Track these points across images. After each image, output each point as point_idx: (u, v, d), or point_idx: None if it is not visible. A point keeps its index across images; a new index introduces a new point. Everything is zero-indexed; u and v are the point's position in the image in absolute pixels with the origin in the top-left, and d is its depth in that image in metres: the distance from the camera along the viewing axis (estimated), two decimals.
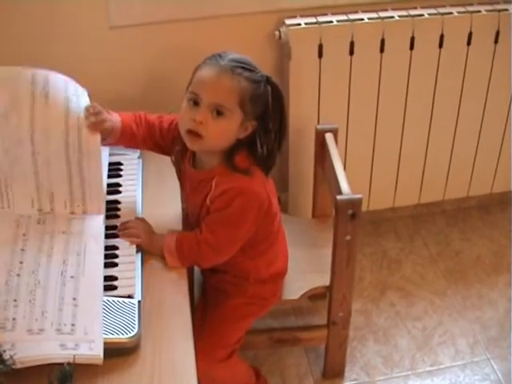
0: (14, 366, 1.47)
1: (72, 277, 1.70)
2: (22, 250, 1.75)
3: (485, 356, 2.66)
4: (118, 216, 2.02)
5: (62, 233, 1.83)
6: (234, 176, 1.89)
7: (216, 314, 2.14)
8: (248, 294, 2.15)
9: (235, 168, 1.89)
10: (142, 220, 1.99)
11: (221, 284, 2.16)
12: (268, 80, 1.90)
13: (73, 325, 1.60)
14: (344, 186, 2.16)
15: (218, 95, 1.82)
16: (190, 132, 1.86)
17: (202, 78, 1.85)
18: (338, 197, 2.11)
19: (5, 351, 1.45)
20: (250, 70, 1.86)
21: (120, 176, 2.18)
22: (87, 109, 1.92)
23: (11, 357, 1.45)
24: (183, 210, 2.11)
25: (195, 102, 1.84)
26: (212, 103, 1.82)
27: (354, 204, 2.10)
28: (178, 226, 2.05)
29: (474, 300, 2.89)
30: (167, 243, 1.92)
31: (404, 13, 2.61)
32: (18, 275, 1.69)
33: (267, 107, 1.89)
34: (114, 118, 2.00)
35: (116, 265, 1.84)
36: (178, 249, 1.91)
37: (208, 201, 1.92)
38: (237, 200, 1.88)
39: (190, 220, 2.09)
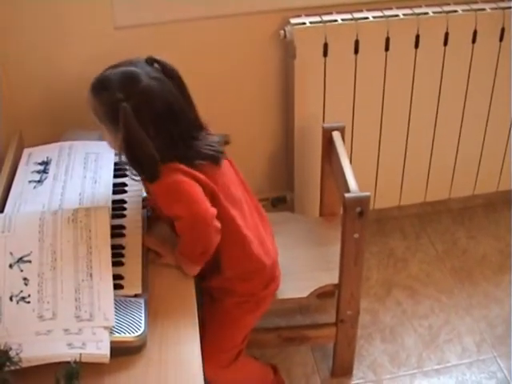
0: (21, 365, 1.47)
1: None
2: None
3: (491, 354, 2.65)
4: (123, 215, 2.03)
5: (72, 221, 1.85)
6: (159, 169, 1.91)
7: (212, 320, 2.14)
8: (236, 294, 2.14)
9: (142, 173, 1.94)
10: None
11: (210, 290, 2.15)
12: (119, 101, 1.85)
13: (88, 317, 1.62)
14: (352, 183, 2.17)
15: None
16: None
17: None
18: (346, 195, 2.11)
19: (11, 349, 1.46)
20: (101, 93, 1.90)
21: (126, 176, 2.19)
22: None
23: (18, 355, 1.46)
24: None
25: None
26: None
27: (362, 202, 2.10)
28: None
29: (481, 298, 2.89)
30: (177, 258, 1.95)
31: (409, 11, 2.61)
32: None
33: (124, 124, 1.85)
34: None
35: (122, 264, 1.85)
36: (184, 254, 1.93)
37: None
38: (164, 183, 1.90)
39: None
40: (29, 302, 1.65)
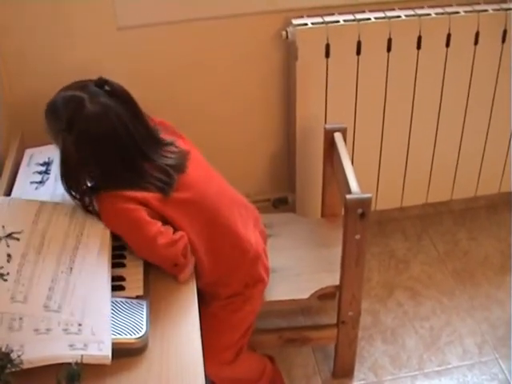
0: (22, 366, 1.47)
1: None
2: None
3: (493, 356, 2.65)
4: None
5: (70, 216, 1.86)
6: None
7: (205, 321, 2.14)
8: (221, 296, 2.14)
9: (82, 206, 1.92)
10: None
11: (198, 294, 2.14)
12: (65, 130, 1.87)
13: (80, 325, 1.61)
14: (353, 185, 2.16)
15: None
16: None
17: None
18: (348, 196, 2.11)
19: (12, 351, 1.45)
20: (49, 119, 1.94)
21: None
22: None
23: (19, 356, 1.46)
24: None
25: None
26: None
27: (364, 203, 2.10)
28: None
29: (482, 300, 2.89)
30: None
31: (411, 12, 2.61)
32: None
33: (61, 153, 1.89)
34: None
35: (124, 265, 1.85)
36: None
37: None
38: (110, 224, 1.88)
39: None
40: (6, 280, 1.64)
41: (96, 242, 1.80)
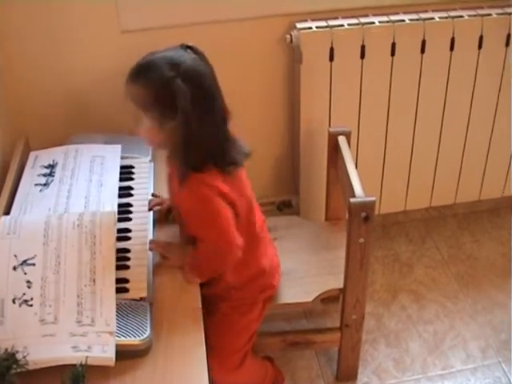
0: (27, 367, 1.48)
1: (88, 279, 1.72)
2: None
3: (496, 359, 2.65)
4: (129, 219, 2.03)
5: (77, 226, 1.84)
6: (189, 175, 1.86)
7: (211, 325, 2.14)
8: (232, 298, 2.15)
9: (186, 165, 1.85)
10: (171, 242, 2.03)
11: (207, 295, 2.11)
12: (173, 78, 1.78)
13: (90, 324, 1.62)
14: (357, 188, 2.16)
15: (128, 105, 1.84)
16: None
17: None
18: (352, 199, 2.11)
19: (18, 352, 1.46)
20: (146, 76, 1.82)
21: (132, 179, 2.20)
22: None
23: (24, 357, 1.46)
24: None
25: None
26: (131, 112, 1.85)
27: (368, 206, 2.10)
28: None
29: (486, 303, 2.88)
30: (186, 266, 1.94)
31: (415, 16, 2.61)
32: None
33: (181, 106, 1.77)
34: None
35: (128, 267, 1.85)
36: (194, 270, 1.93)
37: (181, 212, 1.95)
38: (194, 198, 1.86)
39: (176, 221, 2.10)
40: (31, 306, 1.65)
41: (110, 247, 1.79)
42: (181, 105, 1.75)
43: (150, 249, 1.94)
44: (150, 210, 2.10)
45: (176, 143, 1.82)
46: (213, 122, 1.84)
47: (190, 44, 1.89)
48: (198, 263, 1.93)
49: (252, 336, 2.23)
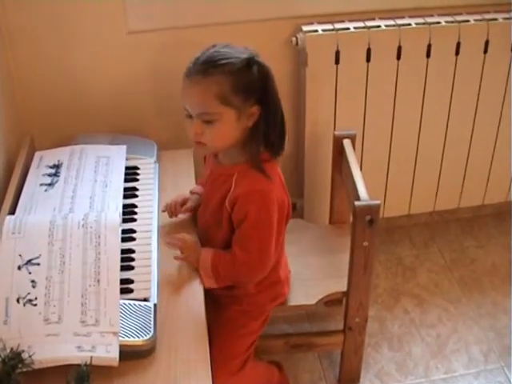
0: (33, 366, 1.48)
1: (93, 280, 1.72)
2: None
3: (498, 364, 2.65)
4: (134, 220, 2.04)
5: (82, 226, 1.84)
6: (255, 177, 1.88)
7: (217, 327, 2.14)
8: (244, 303, 2.14)
9: (260, 168, 1.87)
10: (189, 236, 2.02)
11: (216, 297, 2.13)
12: (251, 60, 1.83)
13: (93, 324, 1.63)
14: (362, 191, 2.16)
15: (197, 105, 1.81)
16: (196, 142, 1.88)
17: (182, 91, 1.84)
18: (356, 202, 2.11)
19: (23, 351, 1.46)
20: (223, 64, 1.79)
21: (137, 180, 2.20)
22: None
23: (30, 356, 1.46)
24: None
25: (189, 116, 1.84)
26: (197, 114, 1.81)
27: (372, 210, 2.10)
28: (193, 229, 2.08)
29: (489, 308, 2.88)
30: (203, 264, 1.94)
31: (421, 20, 2.61)
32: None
33: (261, 87, 1.83)
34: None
35: (132, 268, 1.86)
36: (214, 271, 1.94)
37: (227, 202, 1.90)
38: (252, 208, 1.86)
39: (201, 221, 2.09)
40: (35, 305, 1.65)
41: (114, 248, 1.79)
42: (262, 84, 1.82)
43: (168, 243, 1.96)
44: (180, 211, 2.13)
45: (251, 134, 1.87)
46: (281, 106, 1.90)
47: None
48: (224, 270, 1.94)
49: (254, 341, 2.23)
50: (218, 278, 1.94)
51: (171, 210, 2.12)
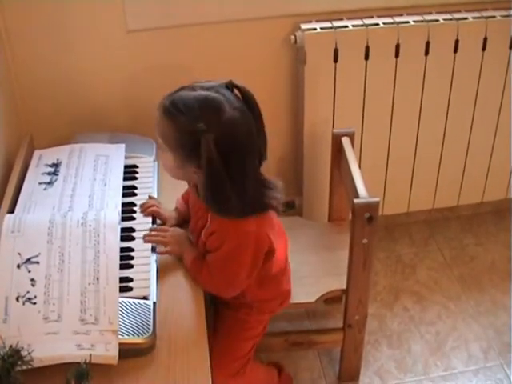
0: (32, 364, 1.48)
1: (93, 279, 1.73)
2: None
3: (498, 361, 2.65)
4: (133, 218, 2.04)
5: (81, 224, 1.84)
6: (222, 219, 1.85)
7: (222, 329, 2.14)
8: (254, 307, 2.15)
9: (220, 212, 1.83)
10: (176, 229, 2.03)
11: (226, 300, 2.13)
12: (204, 132, 1.70)
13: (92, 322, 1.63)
14: (361, 189, 2.16)
15: (156, 132, 1.82)
16: None
17: None
18: (355, 200, 2.11)
19: (23, 348, 1.46)
20: (176, 117, 1.75)
21: (136, 179, 2.20)
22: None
23: (29, 354, 1.47)
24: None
25: None
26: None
27: (371, 207, 2.10)
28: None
29: (488, 305, 2.89)
30: (185, 262, 1.95)
31: (419, 18, 2.62)
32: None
33: (207, 158, 1.71)
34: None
35: (131, 266, 1.86)
36: (192, 276, 1.93)
37: (203, 235, 1.91)
38: (227, 243, 1.85)
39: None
40: (35, 304, 1.65)
41: (114, 246, 1.80)
42: (205, 159, 1.71)
43: (145, 239, 1.96)
44: (145, 215, 2.08)
45: (200, 186, 1.85)
46: (242, 173, 1.77)
47: (237, 84, 1.82)
48: (200, 279, 1.93)
49: (256, 343, 2.23)
50: (194, 278, 1.93)
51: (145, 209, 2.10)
